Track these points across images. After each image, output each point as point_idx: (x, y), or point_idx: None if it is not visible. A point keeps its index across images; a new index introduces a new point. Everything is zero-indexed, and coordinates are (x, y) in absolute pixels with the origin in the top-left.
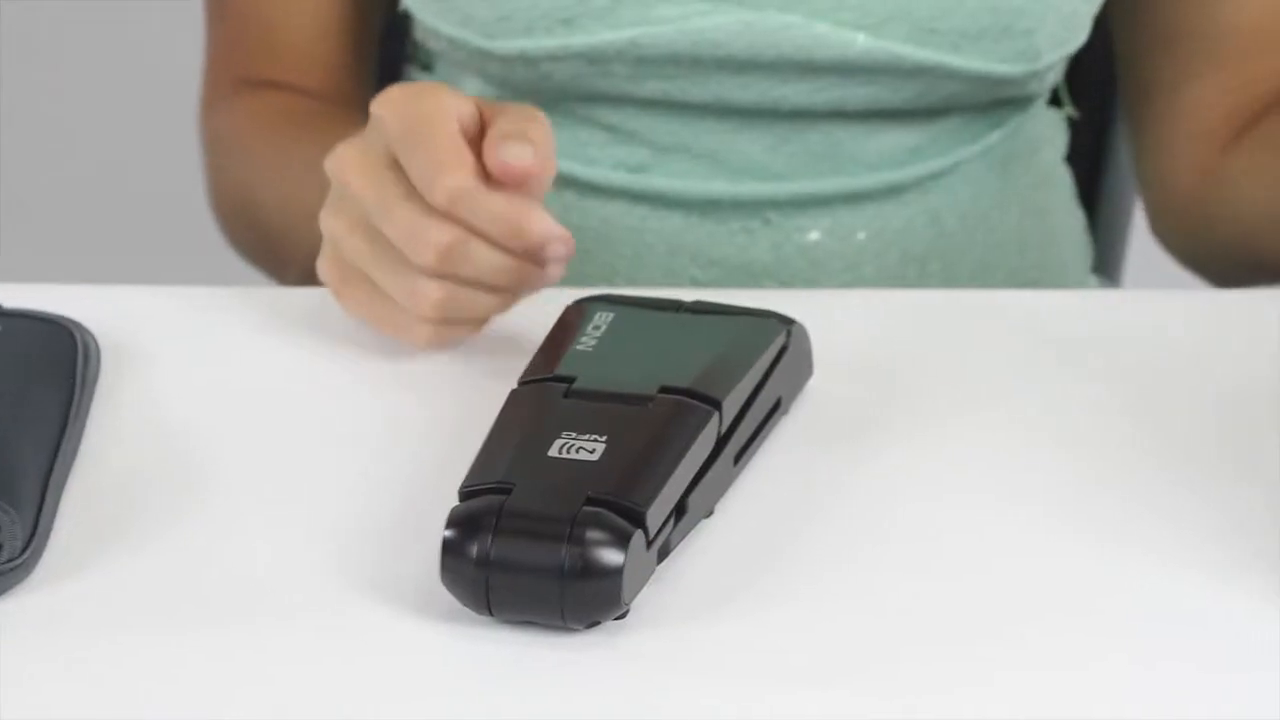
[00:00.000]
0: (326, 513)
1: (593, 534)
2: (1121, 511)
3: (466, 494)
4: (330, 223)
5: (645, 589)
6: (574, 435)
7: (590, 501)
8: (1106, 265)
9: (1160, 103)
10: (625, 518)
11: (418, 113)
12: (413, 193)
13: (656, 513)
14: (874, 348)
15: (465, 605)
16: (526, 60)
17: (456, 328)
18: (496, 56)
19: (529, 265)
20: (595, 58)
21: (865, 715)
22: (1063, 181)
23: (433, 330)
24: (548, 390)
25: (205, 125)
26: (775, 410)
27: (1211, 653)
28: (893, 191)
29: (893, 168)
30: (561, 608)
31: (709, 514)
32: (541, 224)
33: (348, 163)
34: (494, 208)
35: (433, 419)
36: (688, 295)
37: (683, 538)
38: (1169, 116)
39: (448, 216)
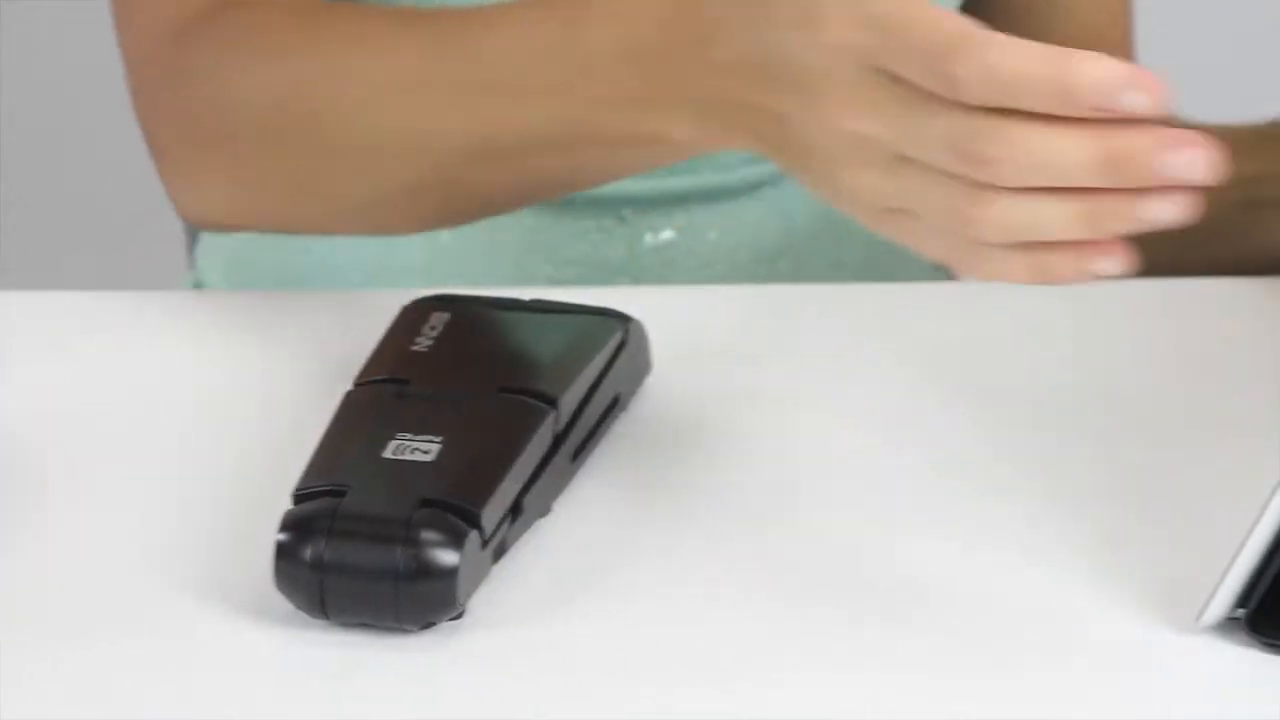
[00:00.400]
0: (158, 518)
1: (427, 535)
2: (967, 504)
3: (300, 497)
4: (856, 180)
5: (482, 589)
6: (409, 436)
7: (425, 502)
8: None
9: None
10: (460, 518)
11: (884, 11)
12: (931, 100)
13: (492, 512)
14: (714, 343)
15: (300, 608)
16: None
17: (1059, 257)
18: None
19: (1121, 140)
20: None
21: (705, 712)
22: None
23: (1027, 262)
24: (383, 391)
25: (179, 53)
26: (614, 407)
27: (1055, 650)
28: (749, 189)
29: (750, 164)
30: (396, 609)
31: (546, 512)
32: (1091, 67)
33: (844, 111)
34: (1025, 67)
35: (268, 421)
36: (535, 294)
37: (519, 537)
38: None
39: (980, 110)
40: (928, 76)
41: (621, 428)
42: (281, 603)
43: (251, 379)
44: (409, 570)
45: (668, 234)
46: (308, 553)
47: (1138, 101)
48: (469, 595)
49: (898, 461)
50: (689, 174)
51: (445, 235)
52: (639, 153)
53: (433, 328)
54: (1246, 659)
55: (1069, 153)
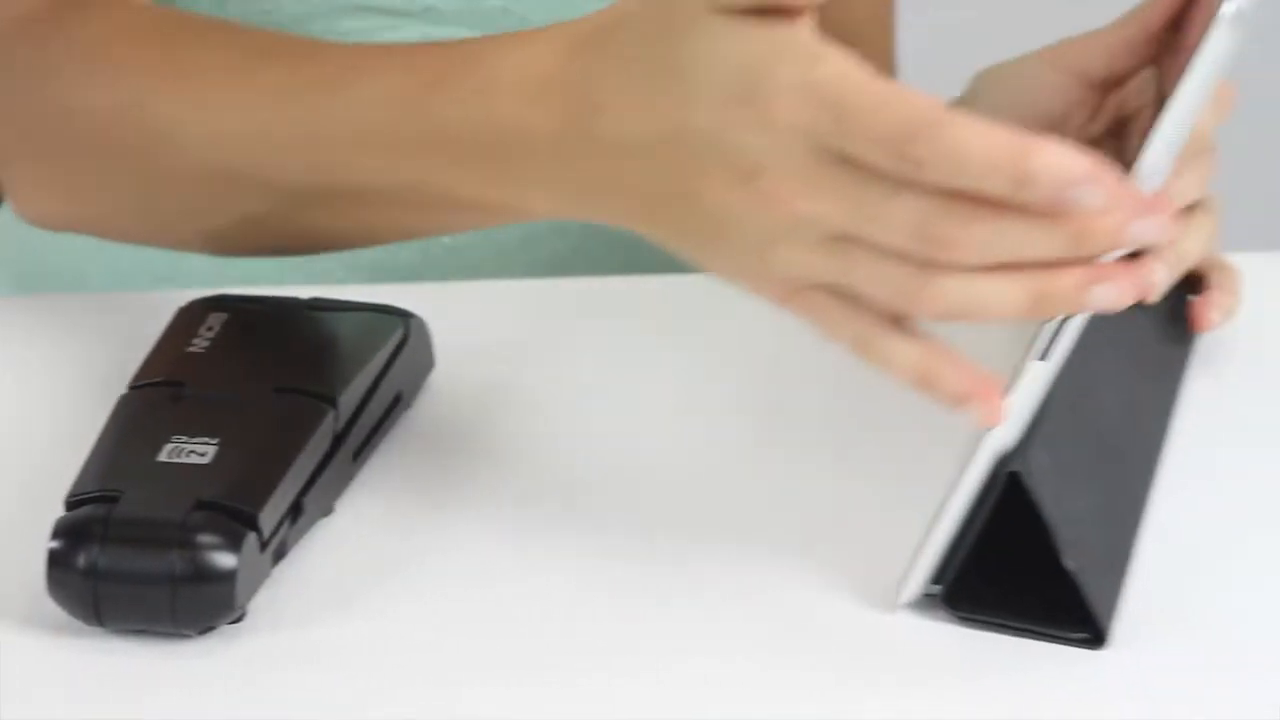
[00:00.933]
0: None
1: (203, 538)
2: (736, 495)
3: (73, 503)
4: (785, 258)
5: (262, 591)
6: (185, 439)
7: (200, 505)
8: None
9: None
10: (237, 520)
11: (839, 91)
12: (886, 180)
13: (270, 513)
14: (497, 339)
15: (75, 616)
16: None
17: (954, 374)
18: None
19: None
20: None
21: (489, 713)
22: None
23: (922, 370)
24: (158, 394)
25: (19, 50)
26: (396, 404)
27: (763, 633)
28: None
29: None
30: (174, 614)
31: (329, 512)
32: (1050, 159)
33: (790, 191)
34: (987, 152)
35: (43, 426)
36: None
37: (300, 537)
38: None
39: (937, 192)
40: (887, 158)
41: (405, 425)
42: (55, 611)
43: (28, 383)
44: (185, 574)
45: (465, 236)
46: (81, 559)
47: (1092, 198)
48: (248, 598)
49: (673, 455)
50: None
51: None
52: (488, 217)
53: (209, 329)
54: (944, 634)
55: (1030, 238)
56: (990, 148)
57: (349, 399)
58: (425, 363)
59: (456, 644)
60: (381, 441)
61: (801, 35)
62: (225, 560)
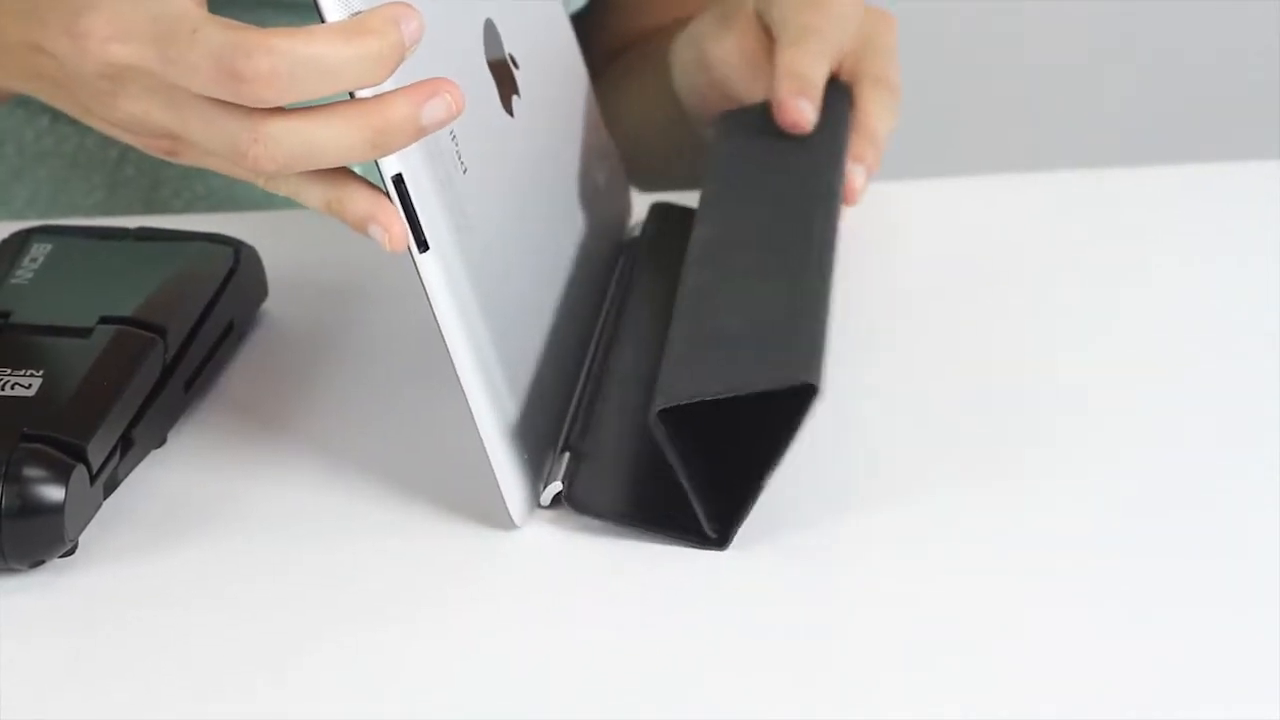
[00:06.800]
0: None
1: (30, 471)
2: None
3: None
4: (128, 109)
5: (94, 524)
6: (8, 371)
7: (26, 438)
8: None
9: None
10: (65, 452)
11: None
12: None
13: (99, 445)
14: (331, 268)
15: None
16: None
17: (350, 194)
18: None
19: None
20: None
21: (318, 644)
22: None
23: (321, 193)
24: None
25: None
26: (229, 334)
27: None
28: None
29: None
30: (1, 548)
31: (161, 444)
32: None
33: (95, 34)
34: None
35: None
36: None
37: (132, 469)
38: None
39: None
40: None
41: (239, 355)
42: None
43: None
44: (12, 508)
45: None
46: None
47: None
48: (79, 531)
49: None
50: None
51: (63, 167)
52: None
53: (34, 259)
54: (571, 541)
55: (332, 70)
56: None
57: (178, 329)
58: (258, 292)
59: (290, 576)
60: (215, 372)
61: None
62: (53, 493)
